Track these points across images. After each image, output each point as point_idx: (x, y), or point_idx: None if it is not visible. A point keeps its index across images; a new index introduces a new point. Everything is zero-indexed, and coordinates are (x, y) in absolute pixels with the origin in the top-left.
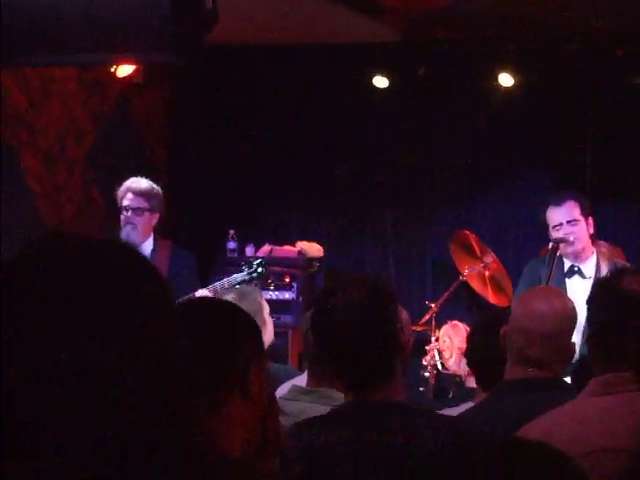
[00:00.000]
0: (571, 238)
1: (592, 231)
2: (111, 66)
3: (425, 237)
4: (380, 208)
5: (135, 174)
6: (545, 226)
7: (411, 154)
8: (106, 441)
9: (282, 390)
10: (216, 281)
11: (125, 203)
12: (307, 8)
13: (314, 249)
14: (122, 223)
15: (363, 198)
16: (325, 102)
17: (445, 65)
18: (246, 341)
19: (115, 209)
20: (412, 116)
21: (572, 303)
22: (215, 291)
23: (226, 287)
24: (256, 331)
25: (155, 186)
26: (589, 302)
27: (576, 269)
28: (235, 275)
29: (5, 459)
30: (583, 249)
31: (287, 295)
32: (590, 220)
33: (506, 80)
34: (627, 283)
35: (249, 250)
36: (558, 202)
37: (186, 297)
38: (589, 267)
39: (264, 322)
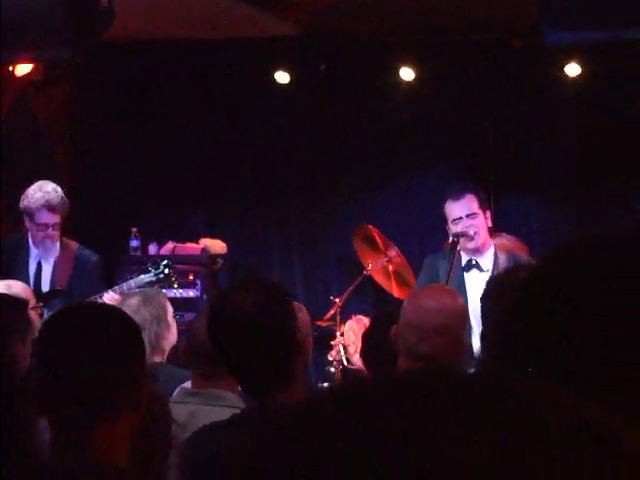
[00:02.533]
0: (471, 232)
1: (490, 224)
2: (8, 64)
3: (329, 232)
4: (283, 204)
5: (37, 174)
6: (444, 219)
7: (313, 150)
8: None
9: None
10: (120, 280)
11: (42, 220)
12: (207, 2)
13: (218, 246)
14: (37, 236)
15: (266, 194)
16: (226, 97)
17: (346, 59)
18: (136, 354)
19: (15, 211)
20: (314, 111)
21: (462, 300)
22: (122, 292)
23: (133, 287)
24: (141, 342)
25: (62, 194)
26: (483, 298)
27: (474, 263)
28: (142, 276)
29: None
30: (482, 243)
31: (191, 293)
32: (488, 214)
33: (407, 74)
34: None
35: (152, 248)
36: (456, 196)
37: (90, 299)
38: (487, 260)
39: (168, 325)
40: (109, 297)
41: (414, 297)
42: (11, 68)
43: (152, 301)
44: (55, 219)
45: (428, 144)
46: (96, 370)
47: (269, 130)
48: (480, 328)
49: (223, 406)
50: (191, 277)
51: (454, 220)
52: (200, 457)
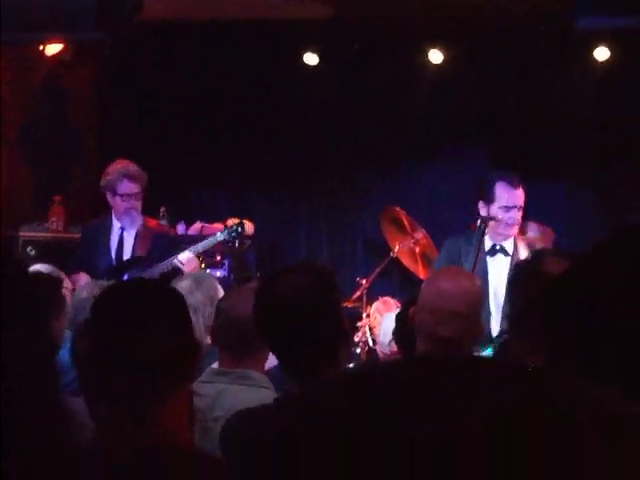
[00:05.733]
0: (513, 222)
1: None
2: (39, 45)
3: (356, 213)
4: (311, 185)
5: (65, 153)
6: (488, 197)
7: (342, 132)
8: None
9: None
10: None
11: (124, 190)
12: None
13: (245, 226)
14: (120, 208)
15: (294, 175)
16: (255, 79)
17: (375, 42)
18: (189, 326)
19: (43, 184)
20: (343, 93)
21: (479, 282)
22: (197, 252)
23: (208, 246)
24: (189, 315)
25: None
26: (510, 283)
27: (498, 247)
28: (217, 234)
29: None
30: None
31: (218, 273)
32: None
33: (436, 57)
34: (547, 265)
35: (180, 228)
36: (513, 184)
37: (167, 260)
38: (509, 245)
39: None
40: (185, 257)
41: (433, 280)
42: (41, 47)
43: (204, 283)
44: (136, 189)
45: (456, 127)
46: (157, 344)
47: (297, 112)
48: (499, 313)
49: (251, 385)
50: (219, 257)
51: (506, 206)
52: (241, 441)
